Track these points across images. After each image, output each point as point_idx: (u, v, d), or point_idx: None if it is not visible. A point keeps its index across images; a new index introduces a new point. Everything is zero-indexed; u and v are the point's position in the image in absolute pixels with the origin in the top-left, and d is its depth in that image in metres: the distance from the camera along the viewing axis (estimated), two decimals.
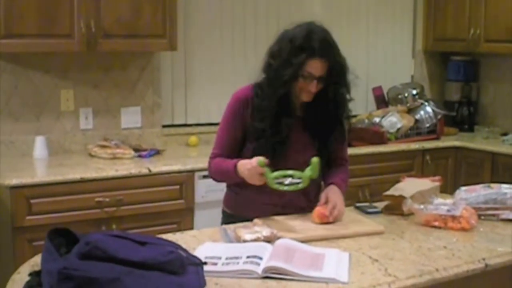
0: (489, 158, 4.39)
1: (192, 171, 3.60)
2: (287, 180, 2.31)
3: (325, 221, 2.36)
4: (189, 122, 4.39)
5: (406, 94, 4.88)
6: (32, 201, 3.21)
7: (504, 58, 4.97)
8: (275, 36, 2.49)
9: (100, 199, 3.35)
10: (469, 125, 5.06)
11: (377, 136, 4.51)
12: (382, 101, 5.01)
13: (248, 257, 1.92)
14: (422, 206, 2.43)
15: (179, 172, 3.59)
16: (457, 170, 4.61)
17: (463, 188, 2.64)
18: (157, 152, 3.88)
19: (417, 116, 4.72)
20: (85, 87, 3.94)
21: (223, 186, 2.66)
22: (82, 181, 3.33)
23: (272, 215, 2.41)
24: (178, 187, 3.59)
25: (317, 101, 2.43)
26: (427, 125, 4.70)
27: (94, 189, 3.35)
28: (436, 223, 2.38)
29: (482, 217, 2.48)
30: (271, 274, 1.84)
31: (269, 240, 2.11)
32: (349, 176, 2.66)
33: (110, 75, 4.01)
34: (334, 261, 1.95)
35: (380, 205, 2.65)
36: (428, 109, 4.74)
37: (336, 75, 2.39)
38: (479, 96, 5.18)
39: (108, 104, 4.02)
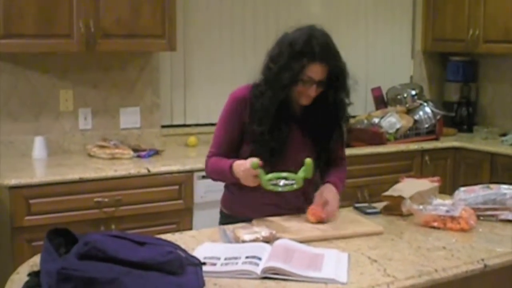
0: (488, 159, 4.39)
1: (191, 172, 3.60)
2: (282, 182, 2.32)
3: (319, 220, 2.36)
4: (188, 122, 4.39)
5: (405, 95, 4.89)
6: (31, 201, 3.20)
7: (503, 59, 4.97)
8: (275, 38, 2.48)
9: (99, 199, 3.35)
10: (468, 125, 5.06)
11: (376, 136, 4.51)
12: (381, 101, 5.01)
13: (247, 257, 1.92)
14: (421, 207, 2.43)
15: (178, 172, 3.59)
16: (456, 171, 4.61)
17: (462, 188, 2.64)
18: (156, 152, 3.88)
19: (416, 117, 4.72)
20: (84, 87, 3.93)
21: (222, 186, 2.66)
22: (81, 181, 3.32)
23: (270, 216, 2.41)
24: (177, 187, 3.59)
25: (316, 104, 2.43)
26: (426, 125, 4.70)
27: (93, 189, 3.35)
28: (435, 224, 2.38)
29: (481, 218, 2.48)
30: (270, 274, 1.84)
31: (268, 240, 2.11)
32: (346, 174, 2.67)
33: (109, 75, 4.01)
34: (333, 262, 1.95)
35: (379, 205, 2.65)
36: (427, 109, 4.74)
37: (336, 79, 2.39)
38: (478, 96, 5.19)
39: (107, 104, 4.02)
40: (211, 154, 2.54)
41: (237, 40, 4.49)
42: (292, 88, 2.37)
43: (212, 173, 2.54)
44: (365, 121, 4.69)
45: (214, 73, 4.41)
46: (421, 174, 4.31)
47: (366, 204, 2.73)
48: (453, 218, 2.36)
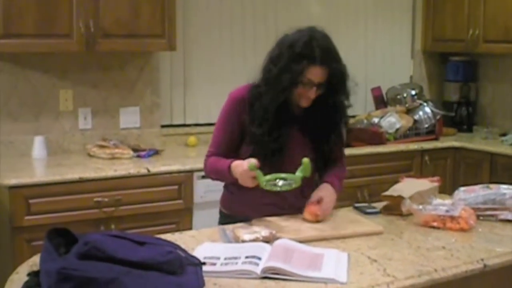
0: (487, 159, 4.39)
1: (191, 171, 3.60)
2: (280, 182, 2.33)
3: (315, 218, 2.37)
4: (188, 122, 4.39)
5: (405, 95, 4.89)
6: (30, 201, 3.20)
7: (503, 59, 4.98)
8: (275, 38, 2.47)
9: (99, 199, 3.35)
10: (468, 125, 5.06)
11: (376, 136, 4.51)
12: (381, 101, 5.01)
13: (247, 257, 1.92)
14: (421, 207, 2.43)
15: (178, 172, 3.59)
16: (456, 171, 4.61)
17: (462, 188, 2.64)
18: (156, 152, 3.88)
19: (416, 117, 4.72)
20: (84, 87, 3.93)
21: (222, 186, 2.66)
22: (81, 181, 3.32)
23: (269, 215, 2.41)
24: (176, 187, 3.59)
25: (316, 106, 2.43)
26: (426, 125, 4.70)
27: (92, 189, 3.35)
28: (435, 224, 2.38)
29: (481, 218, 2.48)
30: (269, 274, 1.84)
31: (268, 240, 2.11)
32: (345, 173, 2.68)
33: (109, 75, 4.01)
34: (333, 262, 1.95)
35: (379, 205, 2.65)
36: (427, 109, 4.74)
37: (336, 82, 2.39)
38: (478, 96, 5.19)
39: (107, 104, 4.02)
40: (210, 153, 2.54)
41: (237, 39, 4.49)
42: (291, 90, 2.37)
43: (211, 173, 2.55)
44: (365, 121, 4.69)
45: (214, 72, 4.41)
46: (421, 174, 4.31)
47: (366, 204, 2.73)
48: (452, 218, 2.36)
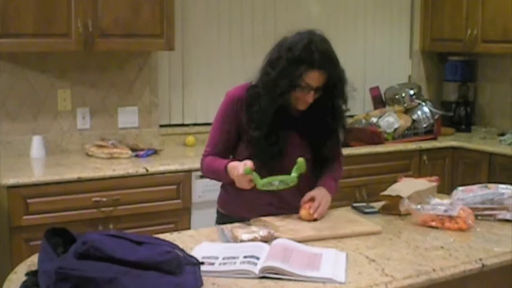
0: (486, 158, 4.39)
1: (189, 171, 3.60)
2: (276, 182, 2.34)
3: (310, 216, 2.37)
4: (186, 122, 4.39)
5: (403, 94, 4.88)
6: (29, 200, 3.20)
7: (501, 58, 4.98)
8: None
9: (97, 198, 3.35)
10: (466, 125, 5.07)
11: (374, 136, 4.51)
12: (379, 101, 5.01)
13: (245, 257, 1.92)
14: (419, 206, 2.43)
15: (176, 172, 3.59)
16: (454, 170, 4.61)
17: (460, 188, 2.64)
18: (154, 152, 3.88)
19: (414, 116, 4.72)
20: (82, 87, 3.93)
21: (220, 186, 2.66)
22: (79, 180, 3.32)
23: (266, 215, 2.41)
24: (175, 187, 3.59)
25: (314, 109, 2.42)
26: (424, 125, 4.70)
27: (91, 188, 3.34)
28: (433, 223, 2.38)
29: (479, 218, 2.48)
30: (268, 274, 1.84)
31: (266, 240, 2.11)
32: (341, 172, 2.67)
33: (107, 74, 4.00)
34: (331, 261, 1.95)
35: (377, 205, 2.65)
36: (425, 109, 4.74)
37: (334, 86, 2.39)
38: (476, 96, 5.19)
39: (105, 103, 4.01)
40: (206, 153, 2.54)
41: (235, 39, 4.48)
42: (289, 93, 2.37)
43: (207, 173, 2.55)
44: (363, 121, 4.69)
45: (212, 72, 4.41)
46: (419, 174, 4.31)
47: (364, 204, 2.73)
48: (451, 217, 2.37)
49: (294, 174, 2.34)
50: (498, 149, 4.37)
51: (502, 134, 4.67)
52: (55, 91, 3.85)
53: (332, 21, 4.82)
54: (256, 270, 1.84)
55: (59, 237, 1.77)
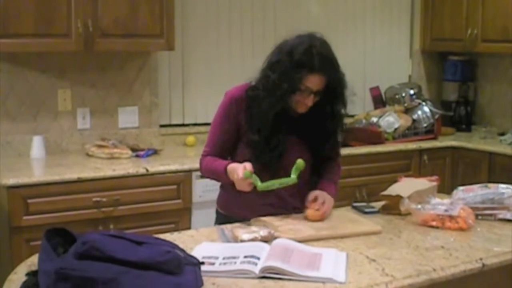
0: (486, 158, 4.39)
1: (189, 171, 3.60)
2: (276, 185, 2.34)
3: (318, 216, 2.37)
4: (186, 122, 4.39)
5: (403, 94, 4.89)
6: (29, 201, 3.20)
7: (501, 58, 4.98)
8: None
9: (98, 199, 3.35)
10: (467, 125, 5.07)
11: (374, 136, 4.51)
12: (379, 101, 5.01)
13: (245, 257, 1.92)
14: (419, 206, 2.43)
15: (177, 172, 3.59)
16: (454, 170, 4.61)
17: (461, 188, 2.64)
18: (155, 152, 3.88)
19: (415, 116, 4.72)
20: (82, 87, 3.93)
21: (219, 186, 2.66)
22: (80, 181, 3.32)
23: (266, 215, 2.41)
24: (175, 187, 3.59)
25: (313, 112, 2.42)
26: (425, 125, 4.70)
27: (91, 189, 3.34)
28: (434, 223, 2.38)
29: (480, 217, 2.48)
30: (268, 274, 1.84)
31: (266, 240, 2.11)
32: (339, 174, 2.67)
33: (107, 75, 4.00)
34: (332, 261, 1.95)
35: (378, 205, 2.65)
36: (426, 109, 4.74)
37: (334, 90, 2.38)
38: (476, 96, 5.19)
39: (105, 104, 4.01)
40: (205, 153, 2.53)
41: (235, 40, 4.48)
42: (289, 97, 2.36)
43: (206, 173, 2.54)
44: (364, 121, 4.69)
45: (212, 72, 4.41)
46: (419, 174, 4.31)
47: (364, 204, 2.73)
48: (451, 217, 2.37)
49: (293, 175, 2.34)
50: (498, 149, 4.37)
51: (502, 134, 4.67)
52: (55, 91, 3.85)
53: (332, 21, 4.82)
54: (256, 270, 1.84)
55: (59, 237, 1.77)
